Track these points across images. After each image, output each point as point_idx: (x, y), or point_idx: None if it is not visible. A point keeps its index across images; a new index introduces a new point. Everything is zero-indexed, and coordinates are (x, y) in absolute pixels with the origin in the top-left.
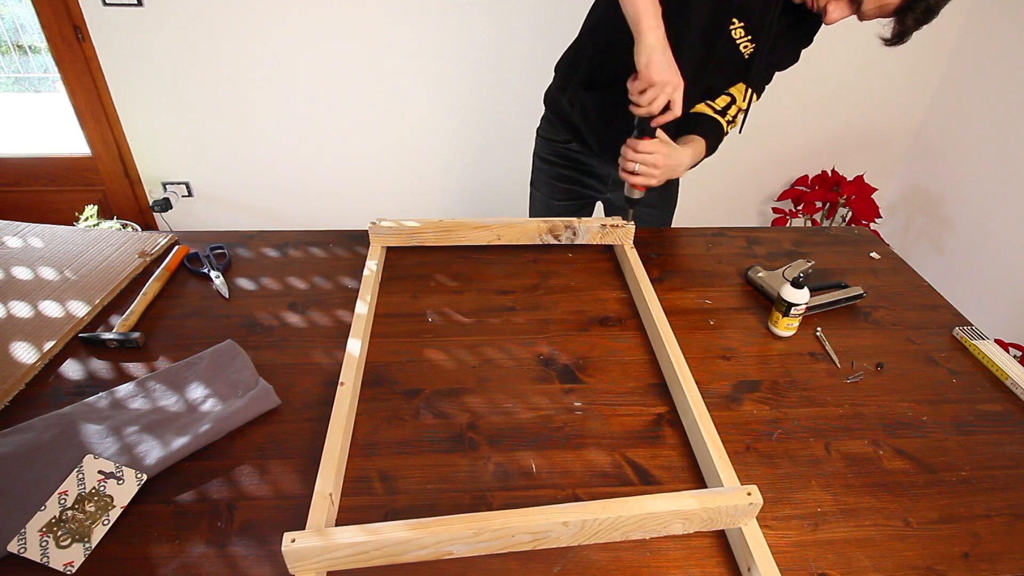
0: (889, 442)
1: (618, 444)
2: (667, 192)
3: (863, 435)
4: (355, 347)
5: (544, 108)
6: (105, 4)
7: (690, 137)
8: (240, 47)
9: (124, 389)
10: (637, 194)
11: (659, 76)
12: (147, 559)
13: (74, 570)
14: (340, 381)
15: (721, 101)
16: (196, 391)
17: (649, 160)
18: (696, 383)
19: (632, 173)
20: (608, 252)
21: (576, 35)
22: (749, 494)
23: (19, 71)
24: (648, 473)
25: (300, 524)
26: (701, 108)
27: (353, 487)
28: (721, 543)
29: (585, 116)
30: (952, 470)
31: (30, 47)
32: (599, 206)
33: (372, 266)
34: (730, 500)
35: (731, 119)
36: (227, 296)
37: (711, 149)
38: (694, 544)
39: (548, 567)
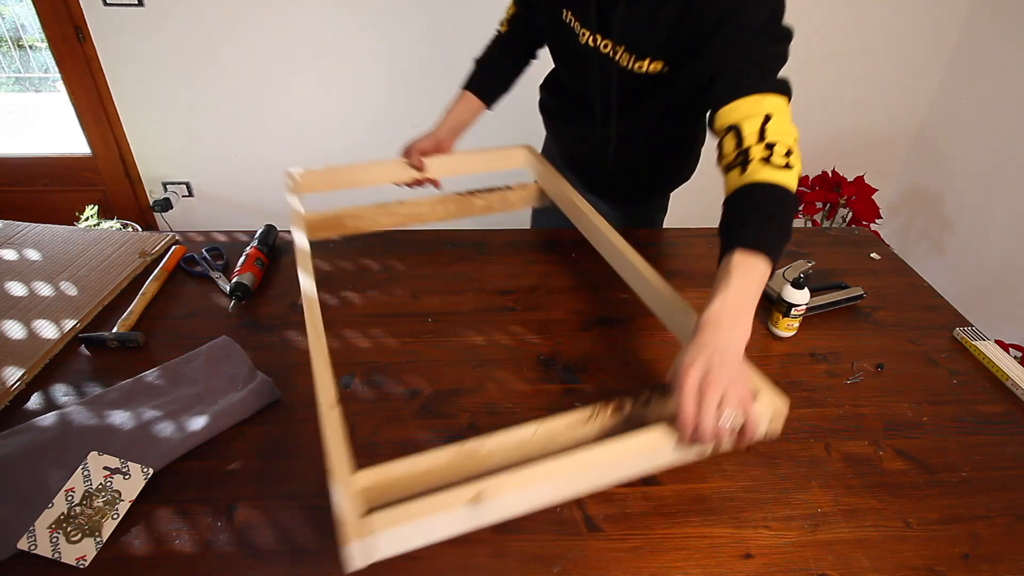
0: (889, 443)
1: None
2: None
3: (863, 436)
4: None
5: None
6: (105, 4)
7: (724, 276)
8: (240, 47)
9: (122, 387)
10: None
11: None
12: (147, 559)
13: (87, 564)
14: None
15: (727, 144)
16: (194, 387)
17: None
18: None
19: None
20: None
21: None
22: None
23: (20, 71)
24: None
25: (299, 524)
26: (735, 180)
27: None
28: (722, 540)
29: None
30: (952, 471)
31: (31, 47)
32: None
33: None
34: None
35: (767, 156)
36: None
37: (777, 251)
38: (693, 545)
39: (548, 567)
